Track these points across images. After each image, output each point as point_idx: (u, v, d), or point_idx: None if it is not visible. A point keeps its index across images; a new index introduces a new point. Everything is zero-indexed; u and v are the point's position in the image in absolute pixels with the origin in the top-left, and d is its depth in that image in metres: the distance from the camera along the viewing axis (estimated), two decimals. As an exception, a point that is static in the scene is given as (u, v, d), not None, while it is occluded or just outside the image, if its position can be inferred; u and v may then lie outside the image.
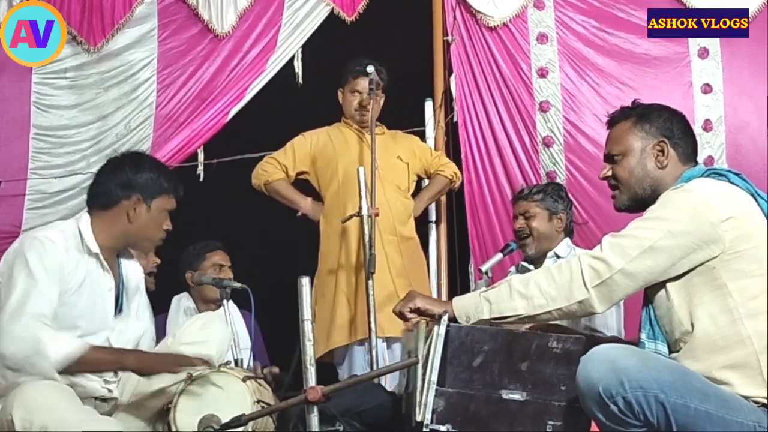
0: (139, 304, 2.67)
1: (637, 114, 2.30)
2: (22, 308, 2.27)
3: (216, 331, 2.65)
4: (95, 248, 2.46)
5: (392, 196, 3.86)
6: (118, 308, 2.55)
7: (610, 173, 2.31)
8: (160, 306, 3.68)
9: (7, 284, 2.33)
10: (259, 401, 2.39)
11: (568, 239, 3.45)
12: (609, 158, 2.32)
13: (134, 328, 2.60)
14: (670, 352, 2.12)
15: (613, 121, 2.34)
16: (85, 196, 2.63)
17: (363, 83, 3.85)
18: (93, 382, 2.44)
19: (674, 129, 2.26)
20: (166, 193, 2.58)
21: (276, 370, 3.36)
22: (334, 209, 3.83)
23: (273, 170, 3.96)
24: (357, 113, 3.91)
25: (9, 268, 2.36)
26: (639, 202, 2.26)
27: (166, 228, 2.61)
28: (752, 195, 2.13)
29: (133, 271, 2.66)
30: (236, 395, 2.38)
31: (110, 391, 2.49)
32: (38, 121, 4.43)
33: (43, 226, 2.61)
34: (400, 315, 2.33)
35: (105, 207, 2.53)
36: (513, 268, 3.63)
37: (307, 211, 3.92)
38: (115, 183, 2.54)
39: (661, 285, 2.12)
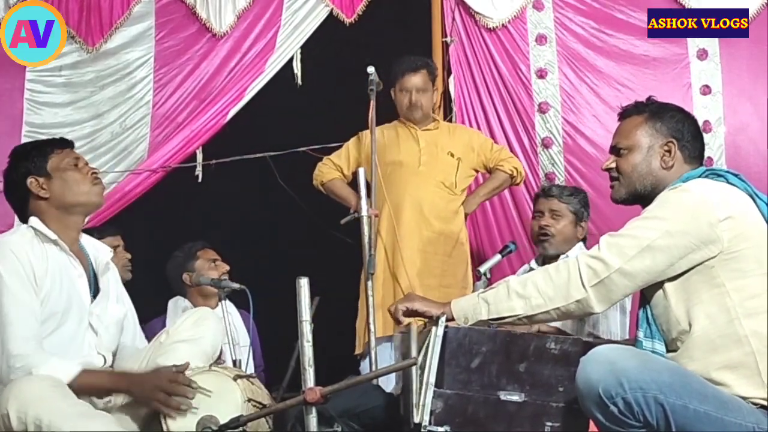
0: (117, 284, 2.67)
1: (651, 111, 2.29)
2: (6, 345, 2.28)
3: (209, 327, 2.64)
4: (53, 235, 2.47)
5: (432, 192, 3.87)
6: (93, 293, 2.54)
7: (613, 165, 2.30)
8: (155, 310, 3.68)
9: None
10: (250, 400, 2.38)
11: (581, 244, 3.45)
12: (615, 150, 2.31)
13: (114, 312, 2.59)
14: (668, 350, 2.11)
15: (625, 114, 2.33)
16: None
17: (412, 80, 3.91)
18: None
19: (684, 131, 2.25)
20: (50, 153, 2.55)
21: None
22: (379, 206, 3.83)
23: (328, 171, 4.05)
24: (408, 111, 3.95)
25: None
26: (637, 197, 2.26)
27: (88, 172, 2.57)
28: (750, 196, 2.13)
29: (101, 252, 2.64)
30: (226, 394, 2.36)
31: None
32: (31, 118, 4.41)
33: (4, 234, 2.60)
34: (394, 317, 2.32)
35: (24, 208, 2.54)
36: (526, 266, 3.62)
37: (358, 207, 3.94)
38: (11, 189, 2.56)
39: (659, 284, 2.11)
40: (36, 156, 2.55)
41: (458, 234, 3.94)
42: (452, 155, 3.94)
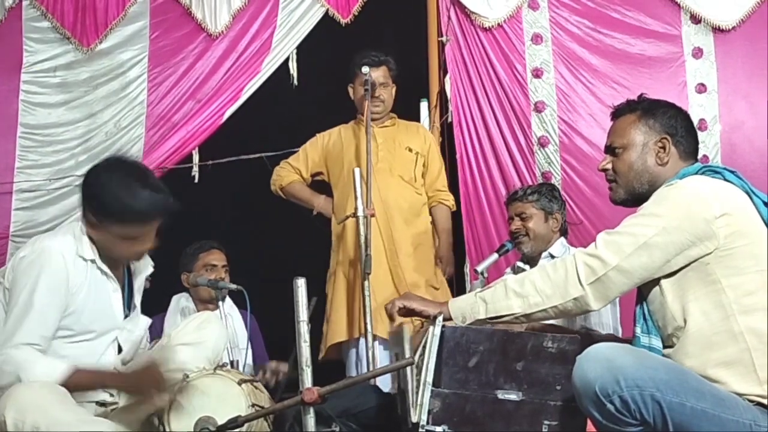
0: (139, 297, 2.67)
1: (643, 108, 2.29)
2: (15, 332, 2.28)
3: (212, 331, 2.65)
4: (89, 255, 2.43)
5: (395, 188, 3.86)
6: (128, 307, 2.55)
7: (609, 166, 2.30)
8: (159, 306, 3.68)
9: (11, 295, 2.35)
10: (254, 405, 2.38)
11: (563, 239, 3.47)
12: (610, 150, 2.31)
13: (142, 325, 2.61)
14: (664, 346, 2.11)
15: (617, 113, 2.34)
16: (75, 197, 2.61)
17: (374, 75, 3.84)
18: None
19: (678, 126, 2.26)
20: (128, 222, 2.38)
21: (284, 368, 3.32)
22: (339, 207, 3.85)
23: (286, 174, 4.03)
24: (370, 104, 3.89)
25: (15, 278, 2.36)
26: (636, 197, 2.26)
27: (135, 253, 2.47)
28: (747, 193, 2.13)
29: (142, 266, 2.63)
30: (231, 398, 2.37)
31: (112, 395, 2.48)
32: (25, 119, 4.42)
33: (53, 232, 2.56)
34: (390, 314, 2.32)
35: (84, 215, 2.46)
36: (509, 269, 3.64)
37: (321, 208, 3.94)
38: (89, 191, 2.43)
39: (655, 280, 2.12)
40: (118, 209, 2.37)
41: (423, 232, 3.91)
42: (410, 150, 3.94)
